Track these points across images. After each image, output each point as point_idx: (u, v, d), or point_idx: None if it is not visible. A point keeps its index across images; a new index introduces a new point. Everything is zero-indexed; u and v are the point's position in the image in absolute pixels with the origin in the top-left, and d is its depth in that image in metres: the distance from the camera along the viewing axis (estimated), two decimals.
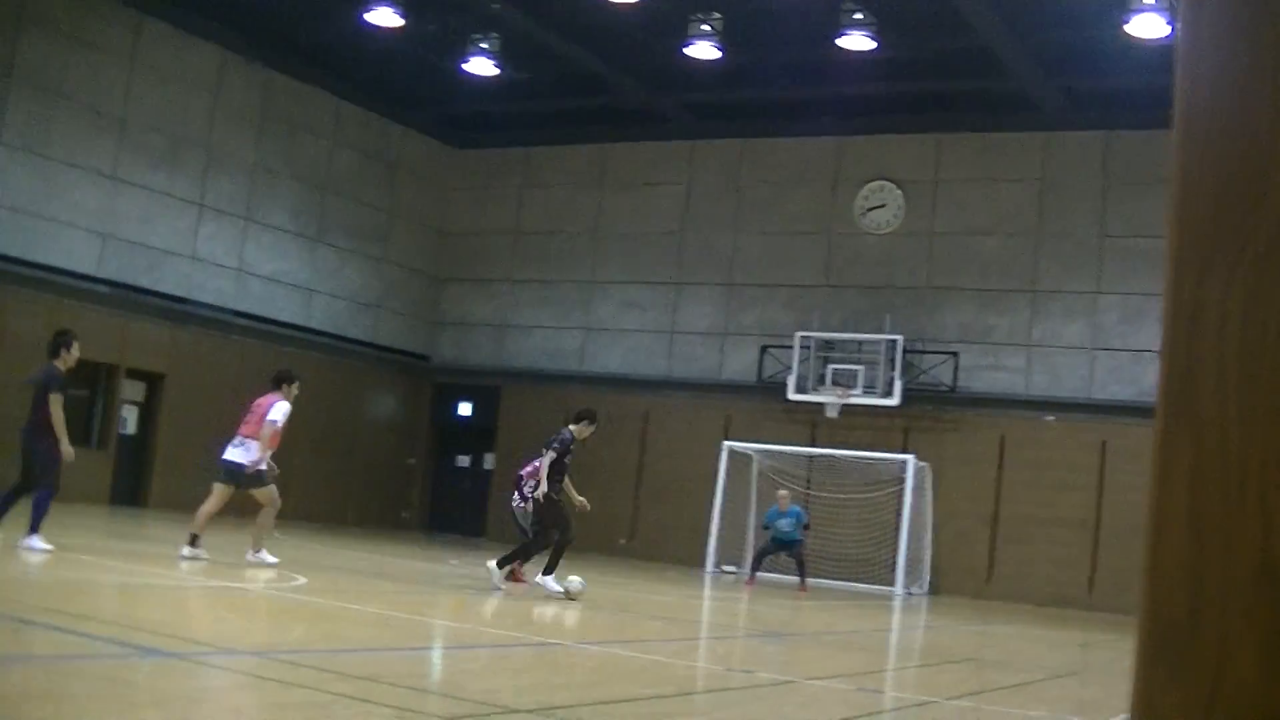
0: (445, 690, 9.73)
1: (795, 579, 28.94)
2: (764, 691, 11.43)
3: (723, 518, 33.60)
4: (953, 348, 34.88)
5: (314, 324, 37.77)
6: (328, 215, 38.85)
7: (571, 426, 19.85)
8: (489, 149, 42.25)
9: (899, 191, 36.39)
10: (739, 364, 37.46)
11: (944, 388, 34.72)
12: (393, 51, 35.49)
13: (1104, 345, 33.72)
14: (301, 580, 17.14)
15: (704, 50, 32.51)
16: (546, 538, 19.59)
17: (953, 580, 33.71)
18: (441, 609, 16.71)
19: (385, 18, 32.14)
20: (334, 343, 38.11)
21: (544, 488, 19.24)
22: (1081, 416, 33.45)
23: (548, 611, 17.22)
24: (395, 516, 40.60)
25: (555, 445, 19.57)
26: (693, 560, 34.14)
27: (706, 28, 32.02)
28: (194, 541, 18.50)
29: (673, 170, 39.58)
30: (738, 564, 33.33)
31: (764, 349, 36.60)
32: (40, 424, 16.56)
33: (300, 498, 33.50)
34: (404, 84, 38.45)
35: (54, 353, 17.80)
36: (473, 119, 41.03)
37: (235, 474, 19.21)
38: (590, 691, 10.24)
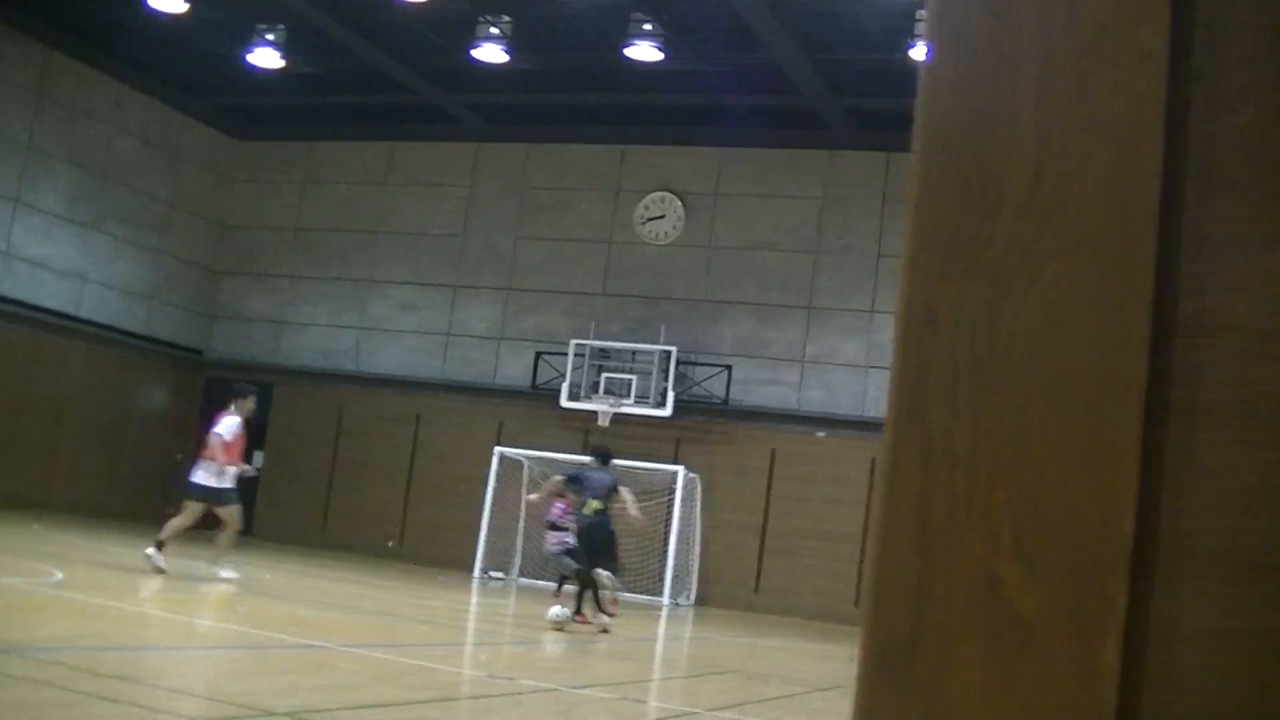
0: (203, 692, 9.57)
1: (554, 584, 29.01)
2: (526, 699, 11.41)
3: (492, 523, 33.56)
4: (728, 360, 35.14)
5: (84, 313, 36.96)
6: (105, 202, 38.01)
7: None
8: (272, 141, 41.71)
9: (680, 202, 36.59)
10: (514, 369, 37.41)
11: (717, 400, 34.96)
12: (177, 38, 34.84)
13: (878, 363, 34.18)
14: (59, 575, 16.78)
15: (492, 53, 32.44)
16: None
17: (721, 592, 33.96)
18: (203, 608, 16.45)
19: (170, 2, 31.53)
20: (105, 333, 37.32)
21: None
22: (854, 433, 33.86)
23: (310, 614, 17.05)
24: (162, 511, 39.89)
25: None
26: (462, 564, 34.03)
27: (495, 30, 31.96)
28: (160, 547, 19.11)
29: (458, 172, 39.42)
30: (505, 570, 33.31)
31: (539, 355, 36.57)
32: None
33: (66, 488, 32.89)
34: (188, 72, 37.78)
35: None
36: (257, 110, 40.49)
37: (209, 494, 20.43)
38: (351, 694, 10.14)
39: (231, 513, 20.13)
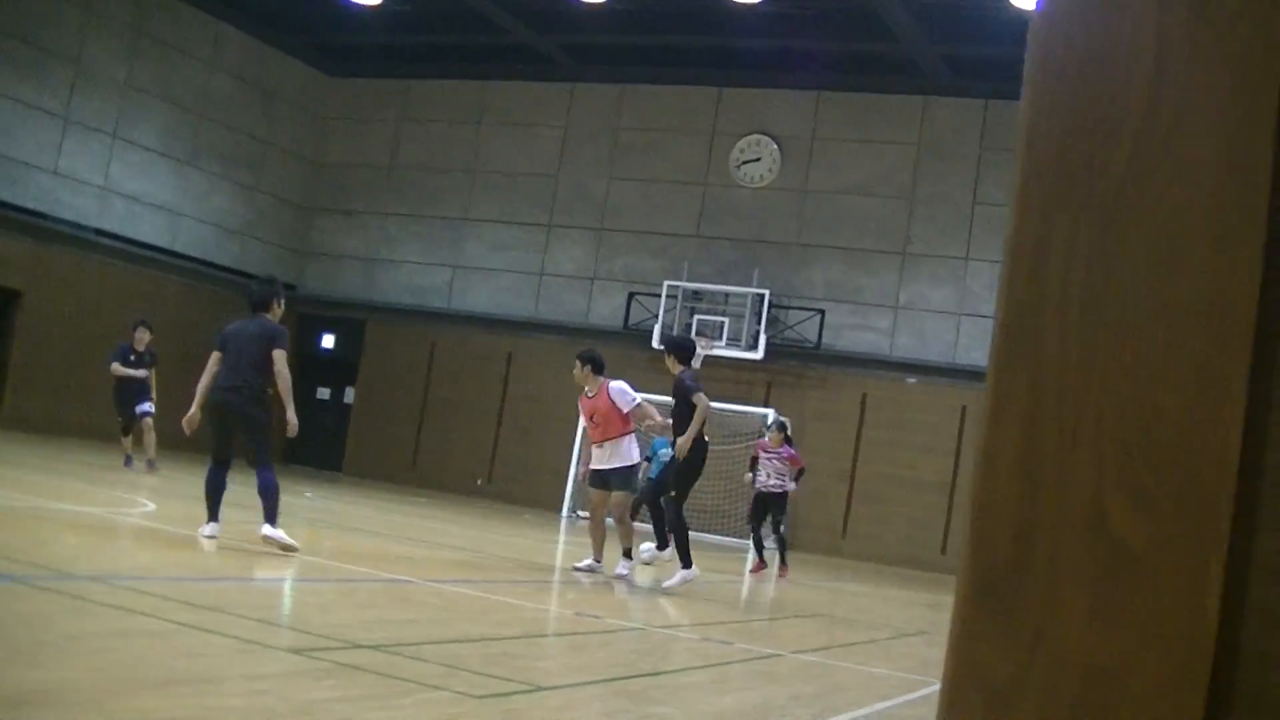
0: (291, 623, 9.64)
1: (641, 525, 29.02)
2: (612, 637, 11.44)
3: (581, 463, 33.60)
4: (820, 305, 35.03)
5: (179, 247, 37.26)
6: (200, 139, 38.29)
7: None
8: (367, 79, 41.81)
9: (775, 146, 36.44)
10: (606, 309, 37.43)
11: (808, 344, 34.87)
12: None
13: (970, 311, 34.00)
14: (151, 506, 16.94)
15: None
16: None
17: (808, 536, 33.93)
18: (295, 541, 16.57)
19: None
20: (199, 268, 37.63)
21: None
22: (944, 381, 33.73)
23: (397, 550, 17.15)
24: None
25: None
26: (551, 504, 34.17)
27: None
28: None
29: (552, 112, 39.39)
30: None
31: (631, 296, 36.58)
32: None
33: (163, 424, 33.16)
34: (284, 9, 37.90)
35: None
36: (352, 48, 40.57)
37: None
38: (437, 629, 10.19)
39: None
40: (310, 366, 41.29)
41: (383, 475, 37.31)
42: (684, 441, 16.09)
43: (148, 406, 24.35)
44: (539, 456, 36.22)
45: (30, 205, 33.38)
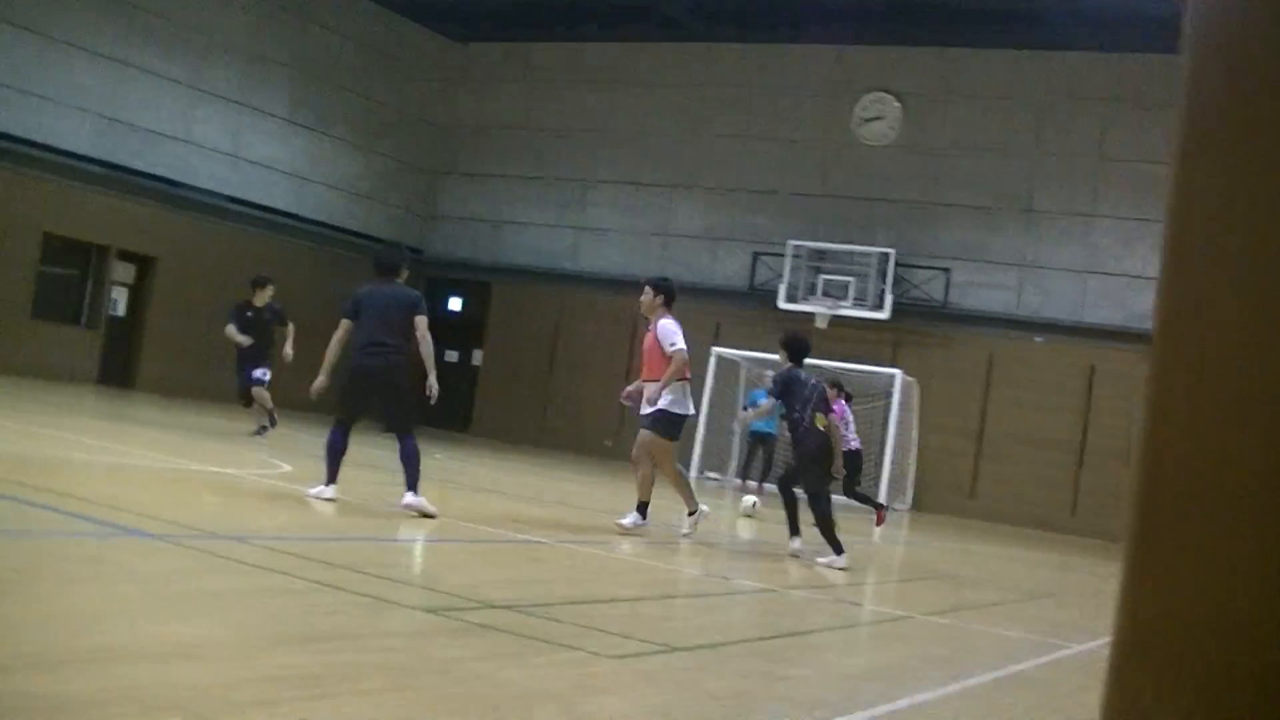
0: (423, 582, 9.76)
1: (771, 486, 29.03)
2: (743, 599, 11.48)
3: (709, 424, 33.59)
4: (945, 264, 34.83)
5: (307, 213, 37.64)
6: (327, 105, 38.64)
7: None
8: (494, 43, 41.96)
9: (898, 104, 36.21)
10: (731, 269, 37.40)
11: (935, 303, 34.69)
12: None
13: (1097, 269, 33.68)
14: (286, 467, 17.16)
15: None
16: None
17: (935, 497, 33.81)
18: (426, 501, 16.73)
19: None
20: (327, 232, 37.99)
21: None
22: (1071, 339, 33.45)
23: (528, 510, 17.27)
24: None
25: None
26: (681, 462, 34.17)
27: None
28: None
29: (674, 72, 39.35)
30: (721, 471, 33.39)
31: (756, 256, 36.54)
32: None
33: (289, 386, 33.50)
34: None
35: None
36: (478, 13, 40.66)
37: None
38: (569, 589, 10.29)
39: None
40: (438, 329, 41.29)
41: (510, 436, 37.54)
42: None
43: (260, 374, 22.93)
44: None
45: (163, 173, 33.85)
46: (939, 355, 34.62)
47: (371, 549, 11.01)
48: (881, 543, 21.93)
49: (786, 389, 16.27)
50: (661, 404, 15.01)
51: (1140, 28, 31.93)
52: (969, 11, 34.22)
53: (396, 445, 13.41)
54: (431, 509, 13.21)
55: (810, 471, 15.92)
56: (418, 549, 11.94)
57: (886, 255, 34.49)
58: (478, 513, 15.61)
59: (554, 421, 38.64)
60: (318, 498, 13.26)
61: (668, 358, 15.08)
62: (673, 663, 7.34)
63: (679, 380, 15.19)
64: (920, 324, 34.80)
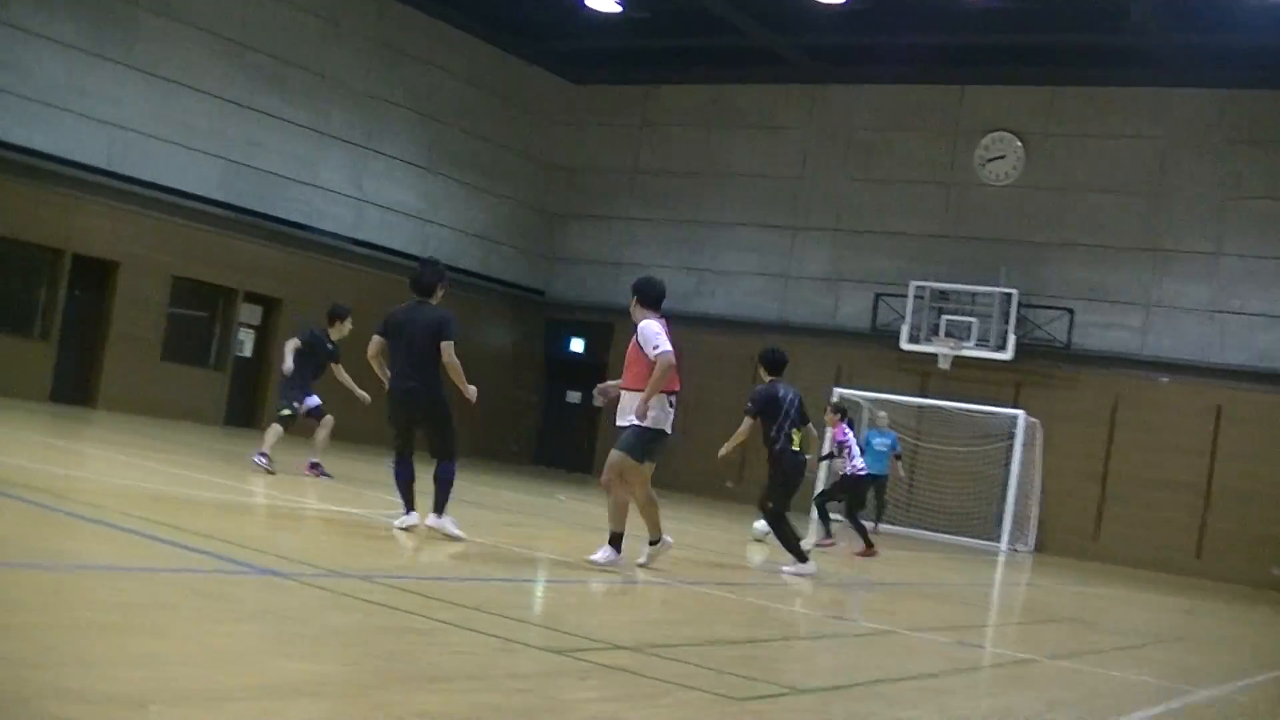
0: (548, 623, 9.80)
1: (891, 527, 28.94)
2: (864, 640, 11.45)
3: (830, 464, 33.45)
4: (1068, 304, 34.56)
5: (429, 253, 37.94)
6: (446, 147, 39.00)
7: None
8: (609, 85, 42.21)
9: (1019, 143, 36.02)
10: (852, 310, 37.30)
11: (1058, 344, 34.42)
12: None
13: (1223, 308, 33.31)
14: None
15: None
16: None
17: (1057, 539, 33.51)
18: (548, 542, 16.80)
19: None
20: (448, 273, 38.23)
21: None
22: (1197, 379, 33.09)
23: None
24: (503, 448, 40.81)
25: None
26: (801, 506, 34.05)
27: None
28: None
29: (793, 113, 39.38)
30: (841, 512, 33.26)
31: (878, 297, 36.42)
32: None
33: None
34: (526, 17, 38.43)
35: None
36: (594, 55, 40.95)
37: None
38: (693, 630, 10.30)
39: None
40: (559, 370, 41.76)
41: None
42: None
43: (315, 403, 21.85)
44: None
45: (289, 217, 34.33)
46: (1062, 396, 34.32)
47: (495, 589, 11.07)
48: (988, 581, 21.74)
49: (766, 406, 16.22)
50: (638, 419, 13.03)
51: (1253, 65, 31.67)
52: (1091, 50, 34.04)
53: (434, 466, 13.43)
54: (458, 532, 13.28)
55: (779, 491, 15.96)
56: (541, 590, 12.00)
57: (1009, 296, 34.27)
58: None
59: (673, 462, 38.60)
60: (401, 527, 13.38)
61: (651, 364, 13.15)
62: (796, 704, 7.35)
63: (665, 392, 13.25)
64: (1043, 365, 34.53)
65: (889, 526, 31.99)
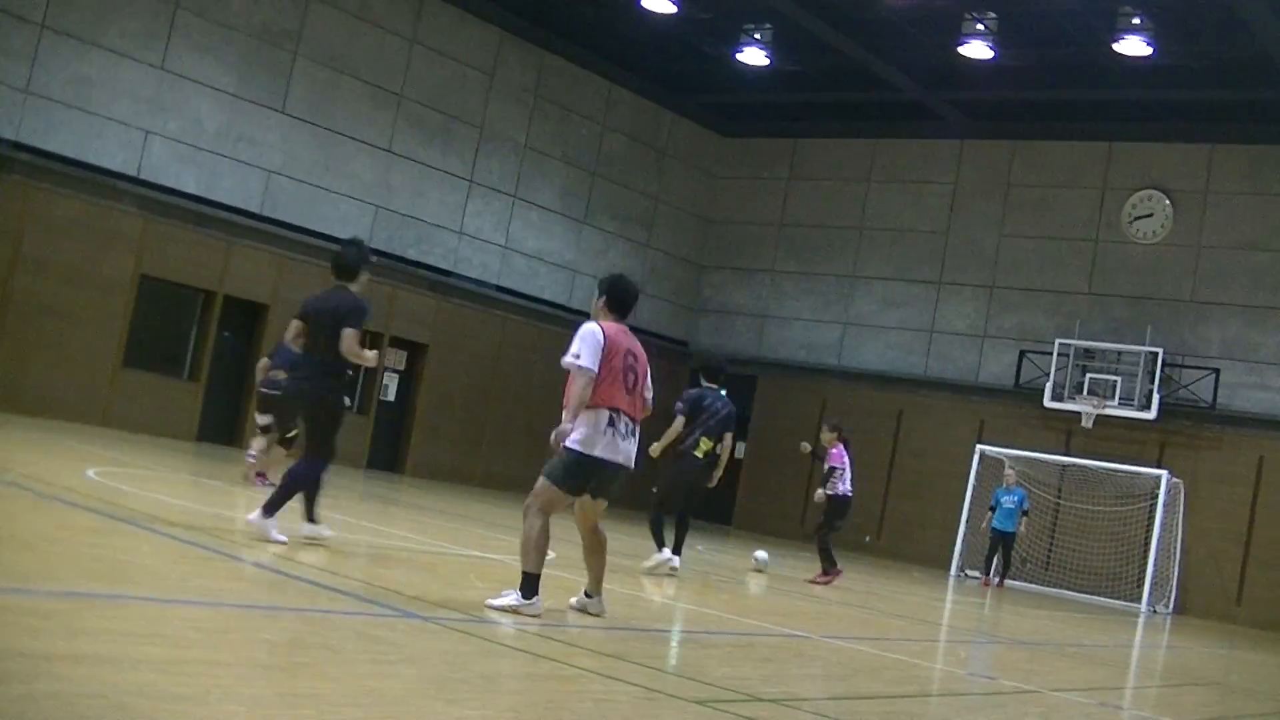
0: (691, 673, 9.89)
1: (1029, 585, 28.73)
2: (1005, 699, 11.43)
3: (971, 521, 33.34)
4: (1215, 363, 34.17)
5: (576, 304, 38.27)
6: (595, 197, 39.37)
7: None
8: (757, 138, 42.38)
9: (1167, 201, 35.73)
10: (996, 367, 37.10)
11: (1203, 404, 34.05)
12: (666, 37, 35.76)
13: None
14: (552, 555, 17.43)
15: (978, 49, 32.32)
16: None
17: (1200, 601, 33.08)
18: (688, 593, 16.90)
19: (660, 3, 32.36)
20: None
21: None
22: None
23: (793, 604, 17.32)
24: (644, 497, 40.89)
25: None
26: (938, 561, 33.98)
27: (981, 26, 31.79)
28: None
29: (940, 168, 39.31)
30: (981, 570, 33.09)
31: (1023, 354, 36.20)
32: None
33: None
34: (675, 70, 38.72)
35: None
36: (742, 108, 41.17)
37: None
38: (833, 685, 10.35)
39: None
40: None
41: (772, 530, 37.48)
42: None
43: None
44: (927, 513, 36.07)
45: (438, 264, 34.78)
46: (1206, 457, 33.91)
47: (639, 639, 11.18)
48: (1128, 643, 21.54)
49: (693, 408, 16.43)
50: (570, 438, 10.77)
51: None
52: (1239, 106, 33.75)
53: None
54: (278, 537, 12.09)
55: (667, 486, 16.20)
56: (684, 640, 12.09)
57: (1154, 354, 33.95)
58: (742, 605, 15.72)
59: (815, 516, 38.49)
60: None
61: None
62: None
63: (595, 408, 10.73)
64: (1188, 425, 34.14)
65: (1026, 584, 31.80)
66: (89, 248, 28.27)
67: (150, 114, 29.65)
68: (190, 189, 30.22)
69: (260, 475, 19.53)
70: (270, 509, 12.14)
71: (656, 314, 40.90)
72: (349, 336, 12.33)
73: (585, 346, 10.82)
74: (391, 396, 34.93)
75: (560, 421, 10.80)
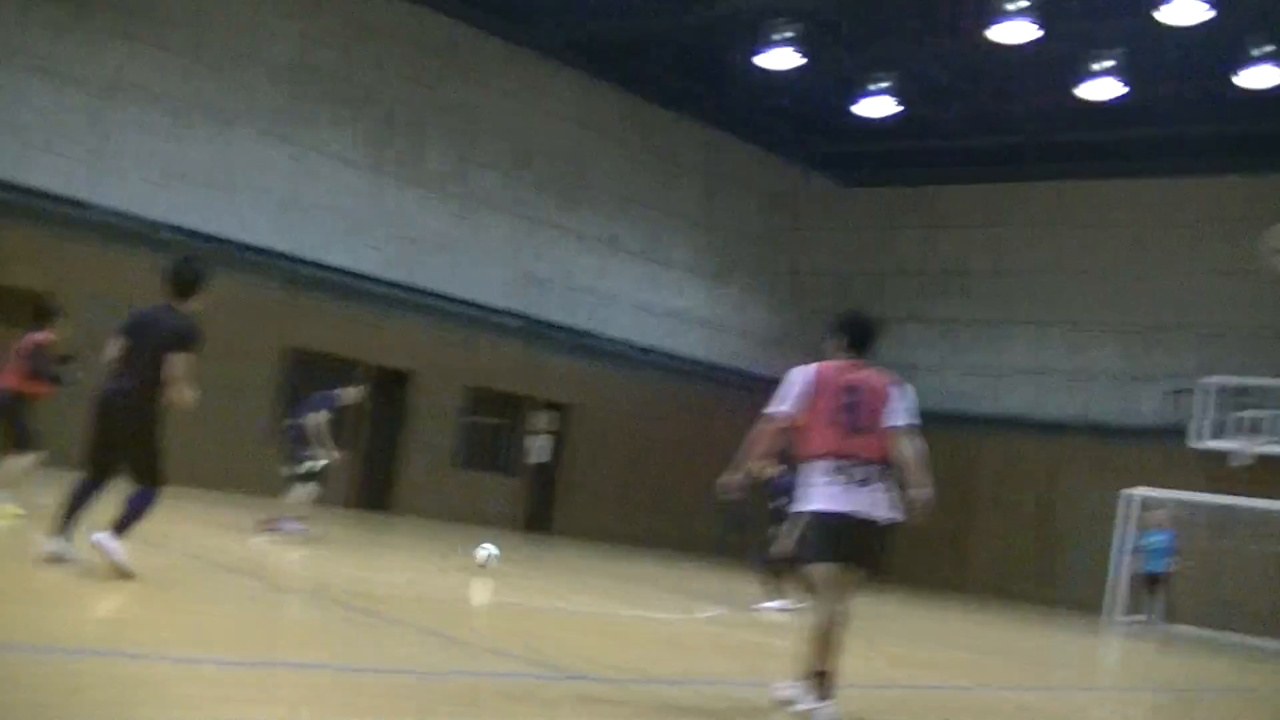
0: None
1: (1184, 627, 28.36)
2: None
3: (1120, 565, 32.88)
4: None
5: (718, 359, 38.38)
6: (730, 254, 39.47)
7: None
8: (888, 188, 42.21)
9: None
10: (1146, 407, 36.64)
11: None
12: (790, 91, 35.79)
13: None
14: (711, 612, 17.44)
15: (1103, 89, 32.07)
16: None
17: None
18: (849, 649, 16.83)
19: (783, 59, 32.33)
20: (737, 378, 38.58)
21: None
22: None
23: (956, 656, 17.18)
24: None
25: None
26: (1092, 607, 33.56)
27: (1102, 65, 31.55)
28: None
29: (1077, 209, 38.90)
30: (1137, 614, 32.63)
31: (1174, 393, 35.70)
32: None
33: (706, 531, 34.22)
34: (801, 123, 38.76)
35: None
36: (870, 158, 41.01)
37: None
38: None
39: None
40: None
41: (929, 583, 37.02)
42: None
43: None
44: (1076, 558, 35.54)
45: (579, 325, 35.05)
46: None
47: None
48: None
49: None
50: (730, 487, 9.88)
51: None
52: None
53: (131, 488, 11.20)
54: (124, 561, 10.81)
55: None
56: (855, 696, 12.05)
57: None
58: (898, 658, 15.60)
59: (974, 557, 38.17)
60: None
61: (829, 425, 9.30)
62: None
63: (809, 459, 9.24)
64: None
65: (1185, 626, 31.37)
66: (238, 322, 28.78)
67: (292, 189, 30.21)
68: (334, 261, 30.72)
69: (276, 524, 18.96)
70: (123, 529, 10.95)
71: (796, 365, 40.75)
72: (183, 361, 11.23)
73: (784, 389, 9.42)
74: (545, 458, 35.16)
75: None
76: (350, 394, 20.90)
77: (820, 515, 8.90)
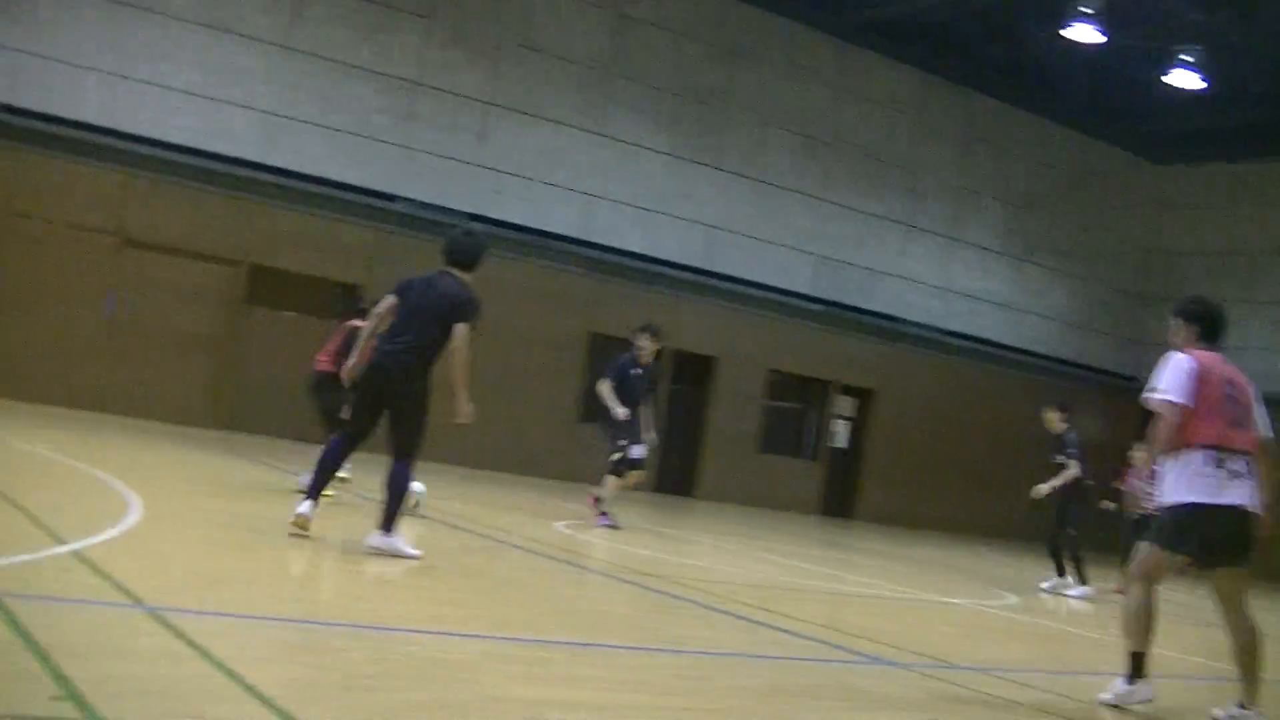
0: None
1: None
2: None
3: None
4: None
5: (1019, 342, 37.90)
6: (1031, 234, 38.91)
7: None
8: (1194, 164, 41.13)
9: None
10: None
11: None
12: (1093, 67, 35.01)
13: None
14: (1013, 598, 17.32)
15: None
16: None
17: None
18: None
19: (1085, 34, 31.64)
20: (1039, 362, 38.03)
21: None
22: None
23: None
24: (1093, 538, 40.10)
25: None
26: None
27: None
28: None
29: None
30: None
31: None
32: None
33: (1004, 516, 33.72)
34: (1105, 100, 37.92)
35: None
36: (1177, 134, 39.94)
37: None
38: None
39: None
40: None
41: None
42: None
43: (640, 453, 18.61)
44: None
45: (879, 309, 34.91)
46: None
47: (1085, 682, 10.99)
48: None
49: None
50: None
51: None
52: None
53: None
54: (411, 551, 11.02)
55: None
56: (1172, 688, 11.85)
57: None
58: (1179, 643, 15.27)
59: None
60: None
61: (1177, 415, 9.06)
62: None
63: (1190, 448, 8.92)
64: None
65: None
66: (542, 308, 29.33)
67: (592, 178, 30.66)
68: (635, 248, 31.10)
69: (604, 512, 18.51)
70: (390, 524, 11.07)
71: (1101, 349, 40.11)
72: (463, 331, 11.12)
73: (1173, 377, 9.02)
74: (843, 443, 35.15)
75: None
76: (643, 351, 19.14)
77: (1200, 507, 8.76)
